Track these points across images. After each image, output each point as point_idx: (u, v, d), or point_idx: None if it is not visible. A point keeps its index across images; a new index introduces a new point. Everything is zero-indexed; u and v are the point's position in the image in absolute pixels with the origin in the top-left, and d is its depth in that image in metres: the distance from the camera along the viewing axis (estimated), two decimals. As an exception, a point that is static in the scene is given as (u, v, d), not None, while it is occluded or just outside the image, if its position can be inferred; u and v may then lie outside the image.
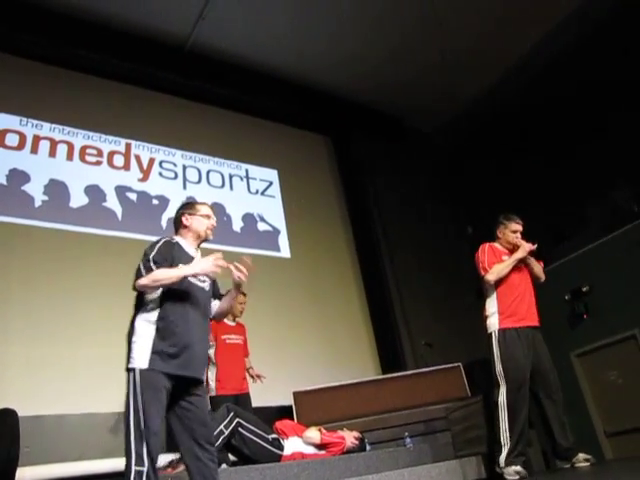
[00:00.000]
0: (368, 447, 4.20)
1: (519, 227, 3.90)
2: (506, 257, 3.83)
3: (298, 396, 5.40)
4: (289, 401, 5.32)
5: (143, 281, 2.46)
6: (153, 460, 2.28)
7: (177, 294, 2.53)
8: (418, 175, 8.59)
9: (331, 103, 8.04)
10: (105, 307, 4.94)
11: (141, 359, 2.39)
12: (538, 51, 7.58)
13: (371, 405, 5.45)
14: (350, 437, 4.05)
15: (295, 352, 6.10)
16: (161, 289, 2.52)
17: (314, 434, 3.98)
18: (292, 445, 3.88)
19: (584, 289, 6.70)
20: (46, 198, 5.48)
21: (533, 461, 3.88)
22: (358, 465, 3.55)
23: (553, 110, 7.47)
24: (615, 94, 6.78)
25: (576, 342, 6.79)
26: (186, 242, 2.74)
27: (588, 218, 7.00)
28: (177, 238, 2.75)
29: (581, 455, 3.57)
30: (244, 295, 4.78)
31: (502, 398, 3.57)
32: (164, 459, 3.42)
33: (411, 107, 8.38)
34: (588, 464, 3.54)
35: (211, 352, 4.57)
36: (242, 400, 4.51)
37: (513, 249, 3.87)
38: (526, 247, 3.80)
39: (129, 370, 2.40)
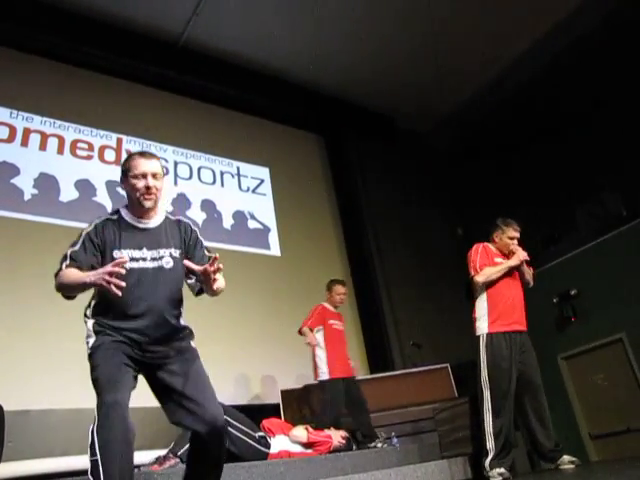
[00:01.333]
0: (355, 446, 4.21)
1: (516, 234, 3.85)
2: (499, 259, 3.82)
3: (286, 394, 5.39)
4: (277, 399, 5.31)
5: (55, 283, 2.12)
6: (108, 403, 1.94)
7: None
8: (410, 175, 8.60)
9: (324, 102, 8.04)
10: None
11: (90, 342, 2.27)
12: (532, 54, 7.61)
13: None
14: (337, 436, 4.06)
15: (283, 351, 6.07)
16: None
17: (301, 433, 3.98)
18: (279, 443, 3.88)
19: (572, 292, 6.75)
20: (36, 192, 5.43)
21: (518, 462, 3.90)
22: (345, 464, 3.54)
23: (544, 113, 7.50)
24: (606, 98, 6.83)
25: (563, 345, 6.83)
26: (130, 214, 2.27)
27: (577, 222, 7.04)
28: (123, 210, 2.31)
29: (566, 457, 3.59)
30: (343, 286, 4.99)
31: (487, 404, 3.58)
32: (151, 455, 3.41)
33: (404, 108, 8.39)
34: (573, 466, 3.55)
35: (319, 336, 4.75)
36: (350, 383, 4.74)
37: (508, 254, 3.86)
38: (520, 256, 3.77)
39: None
